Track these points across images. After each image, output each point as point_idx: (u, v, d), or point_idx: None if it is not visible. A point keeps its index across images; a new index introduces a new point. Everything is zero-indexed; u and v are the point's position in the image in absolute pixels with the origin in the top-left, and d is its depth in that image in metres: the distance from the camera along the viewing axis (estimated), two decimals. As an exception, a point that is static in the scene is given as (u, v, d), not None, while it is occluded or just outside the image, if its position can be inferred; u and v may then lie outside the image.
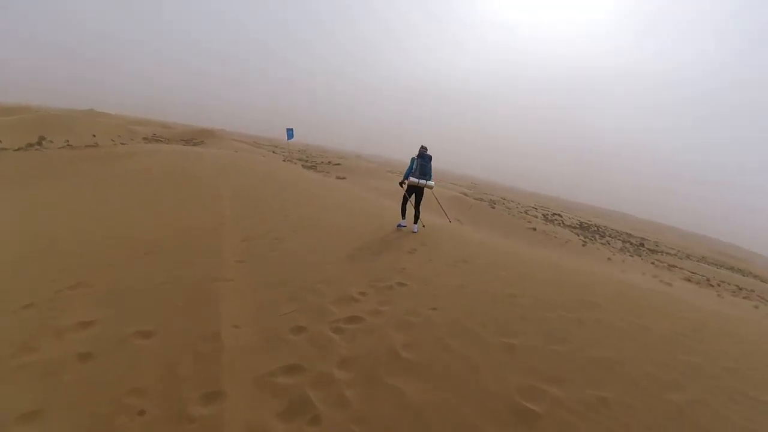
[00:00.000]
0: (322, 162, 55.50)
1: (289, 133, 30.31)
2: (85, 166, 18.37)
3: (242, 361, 4.15)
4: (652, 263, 40.83)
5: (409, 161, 10.20)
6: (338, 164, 52.82)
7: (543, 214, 62.08)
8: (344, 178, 40.19)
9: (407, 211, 10.85)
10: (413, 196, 10.31)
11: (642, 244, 62.61)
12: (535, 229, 38.54)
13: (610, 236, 60.58)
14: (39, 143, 29.27)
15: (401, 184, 10.20)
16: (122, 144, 34.57)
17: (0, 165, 18.79)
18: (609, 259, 34.66)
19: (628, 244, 55.68)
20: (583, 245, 37.61)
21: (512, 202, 71.04)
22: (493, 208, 43.83)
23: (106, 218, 10.29)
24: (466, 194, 55.96)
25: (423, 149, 10.14)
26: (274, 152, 55.66)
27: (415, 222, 10.52)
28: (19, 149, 24.43)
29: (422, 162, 9.97)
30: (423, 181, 9.99)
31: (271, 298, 5.67)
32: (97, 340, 4.47)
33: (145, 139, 47.35)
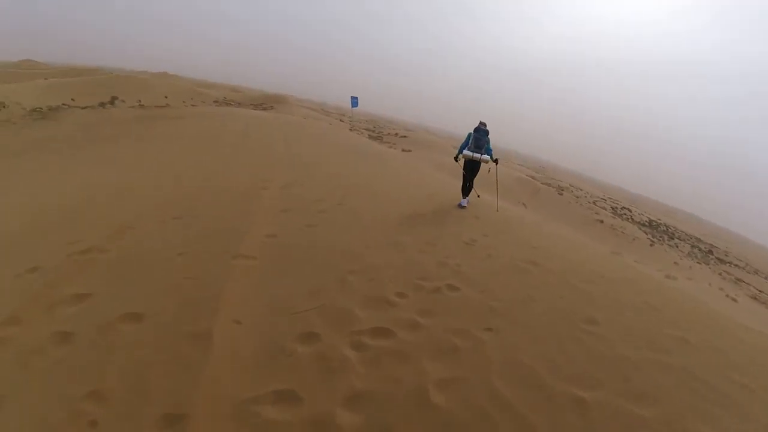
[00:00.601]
0: (389, 133, 54.09)
1: (354, 101, 29.70)
2: (141, 127, 18.08)
3: (227, 375, 3.34)
4: (719, 274, 38.22)
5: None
6: (405, 137, 51.39)
7: (612, 207, 59.24)
8: (410, 150, 39.09)
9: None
10: (470, 170, 9.87)
11: (711, 252, 58.83)
12: (602, 222, 36.56)
13: (679, 238, 57.16)
14: (111, 102, 29.83)
15: (456, 159, 9.78)
16: (193, 106, 34.81)
17: (66, 122, 18.87)
18: (676, 263, 32.54)
19: (696, 250, 52.39)
20: (651, 245, 35.44)
21: (581, 190, 68.13)
22: (561, 194, 41.86)
23: (149, 177, 9.79)
24: (533, 177, 54.14)
25: (481, 124, 9.55)
26: (341, 120, 55.22)
27: (465, 196, 10.12)
28: (86, 107, 24.55)
29: (477, 135, 9.42)
30: (477, 155, 9.45)
31: (288, 287, 4.80)
32: (83, 318, 3.88)
33: (215, 101, 47.46)
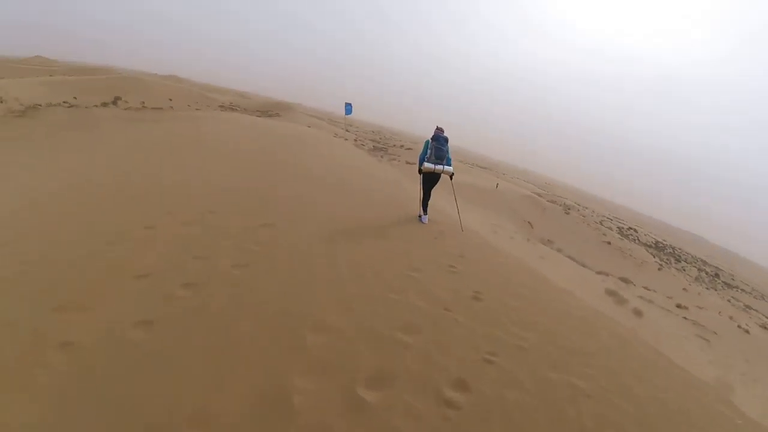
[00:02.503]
0: (394, 145, 53.81)
1: (348, 108, 28.56)
2: (106, 130, 16.86)
3: None
4: (728, 300, 37.53)
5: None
6: (410, 149, 51.13)
7: (618, 227, 58.62)
8: (414, 163, 38.00)
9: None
10: (429, 183, 8.84)
11: (717, 275, 58.05)
12: (609, 243, 35.86)
13: (685, 261, 56.44)
14: (114, 102, 29.69)
15: (420, 171, 8.65)
16: (196, 110, 34.03)
17: (40, 121, 18.10)
18: (685, 289, 31.80)
19: (703, 273, 51.67)
20: (659, 269, 34.71)
21: (587, 209, 67.55)
22: (567, 213, 41.19)
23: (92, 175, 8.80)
24: (539, 195, 53.49)
25: (438, 130, 8.66)
26: (347, 130, 54.86)
27: (425, 212, 9.07)
28: (81, 107, 23.96)
29: (437, 144, 8.47)
30: (439, 167, 8.45)
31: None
32: (91, 326, 3.24)
33: (221, 106, 47.24)
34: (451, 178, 8.93)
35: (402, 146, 53.38)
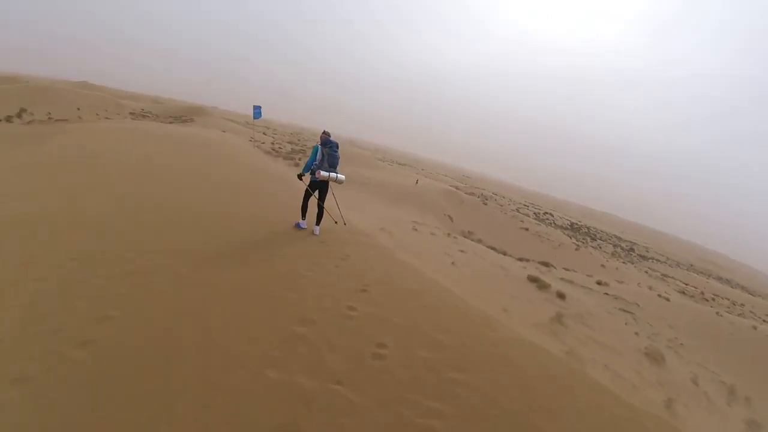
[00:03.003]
0: (312, 146, 52.44)
1: (256, 111, 26.71)
2: (7, 146, 15.14)
3: None
4: (646, 271, 39.60)
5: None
6: None
7: (534, 213, 60.58)
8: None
9: (309, 209, 8.56)
10: (317, 191, 8.23)
11: (632, 249, 61.37)
12: (527, 230, 36.76)
13: (600, 239, 59.20)
14: (18, 115, 27.50)
15: (300, 177, 8.05)
16: (106, 119, 32.96)
17: None
18: (603, 266, 33.14)
19: (618, 249, 54.37)
20: (576, 249, 35.99)
21: (504, 198, 69.40)
22: (485, 204, 41.89)
23: None
24: (458, 187, 54.24)
25: (326, 135, 8.11)
26: (264, 134, 53.73)
27: (318, 222, 8.35)
28: None
29: (330, 151, 7.97)
30: (334, 174, 7.98)
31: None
32: None
33: (132, 114, 45.62)
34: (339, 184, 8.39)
35: None
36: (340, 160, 8.10)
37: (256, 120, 27.81)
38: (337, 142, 8.08)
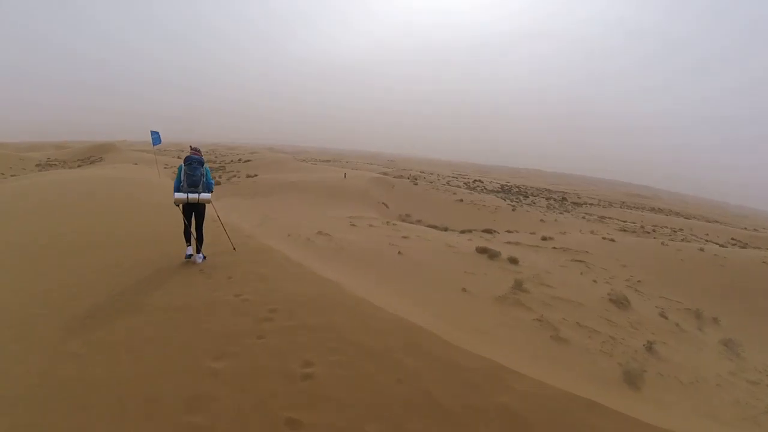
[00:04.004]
0: (231, 161, 51.96)
1: (155, 137, 23.68)
2: None
3: None
4: (583, 217, 40.60)
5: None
6: (249, 160, 49.45)
7: (464, 183, 61.18)
8: (255, 175, 37.05)
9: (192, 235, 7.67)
10: (192, 215, 7.38)
11: (564, 199, 63.11)
12: (462, 201, 36.71)
13: (533, 195, 60.55)
14: None
15: (176, 203, 7.17)
16: (12, 176, 32.46)
17: None
18: (542, 220, 33.52)
19: (552, 201, 55.69)
20: (513, 210, 36.30)
21: (432, 174, 69.78)
22: (416, 184, 41.64)
23: None
24: (386, 173, 53.99)
25: (194, 152, 7.34)
26: (179, 157, 52.23)
27: (198, 250, 7.54)
28: None
29: (189, 171, 7.06)
30: (194, 195, 7.07)
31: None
32: None
33: (38, 165, 44.27)
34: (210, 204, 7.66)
35: (240, 160, 52.02)
36: (206, 177, 7.22)
37: (155, 146, 25.18)
38: (200, 158, 7.22)
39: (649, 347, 8.04)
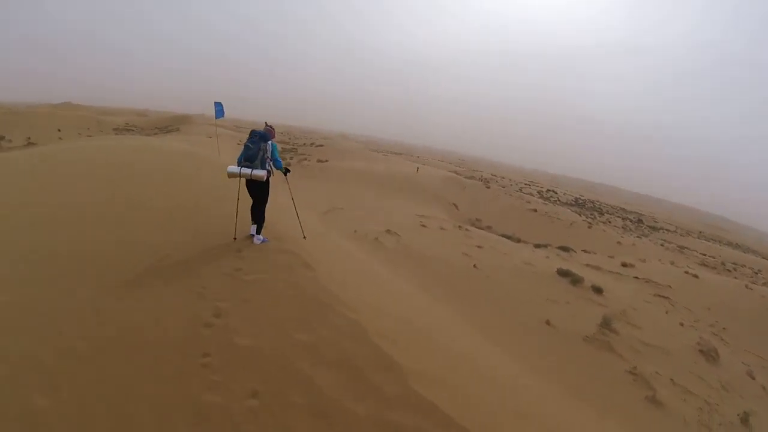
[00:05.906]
0: (304, 144, 52.51)
1: (218, 109, 21.87)
2: None
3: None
4: (661, 244, 38.35)
5: None
6: (321, 145, 49.85)
7: (538, 191, 59.35)
8: (326, 161, 37.27)
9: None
10: (255, 195, 6.86)
11: (641, 221, 60.19)
12: (535, 211, 35.35)
13: (608, 213, 58.08)
14: None
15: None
16: (88, 137, 32.79)
17: None
18: (619, 243, 31.81)
19: (628, 222, 53.23)
20: (589, 227, 34.60)
21: (504, 178, 68.13)
22: (488, 187, 40.53)
23: None
24: (457, 172, 53.04)
25: (268, 127, 6.85)
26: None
27: (258, 231, 6.96)
28: None
29: (248, 143, 6.57)
30: (247, 170, 6.44)
31: None
32: None
33: (115, 129, 45.94)
34: (285, 174, 7.26)
35: (312, 144, 52.34)
36: (272, 153, 6.74)
37: (218, 119, 24.07)
38: (263, 132, 6.70)
39: (745, 419, 7.17)
